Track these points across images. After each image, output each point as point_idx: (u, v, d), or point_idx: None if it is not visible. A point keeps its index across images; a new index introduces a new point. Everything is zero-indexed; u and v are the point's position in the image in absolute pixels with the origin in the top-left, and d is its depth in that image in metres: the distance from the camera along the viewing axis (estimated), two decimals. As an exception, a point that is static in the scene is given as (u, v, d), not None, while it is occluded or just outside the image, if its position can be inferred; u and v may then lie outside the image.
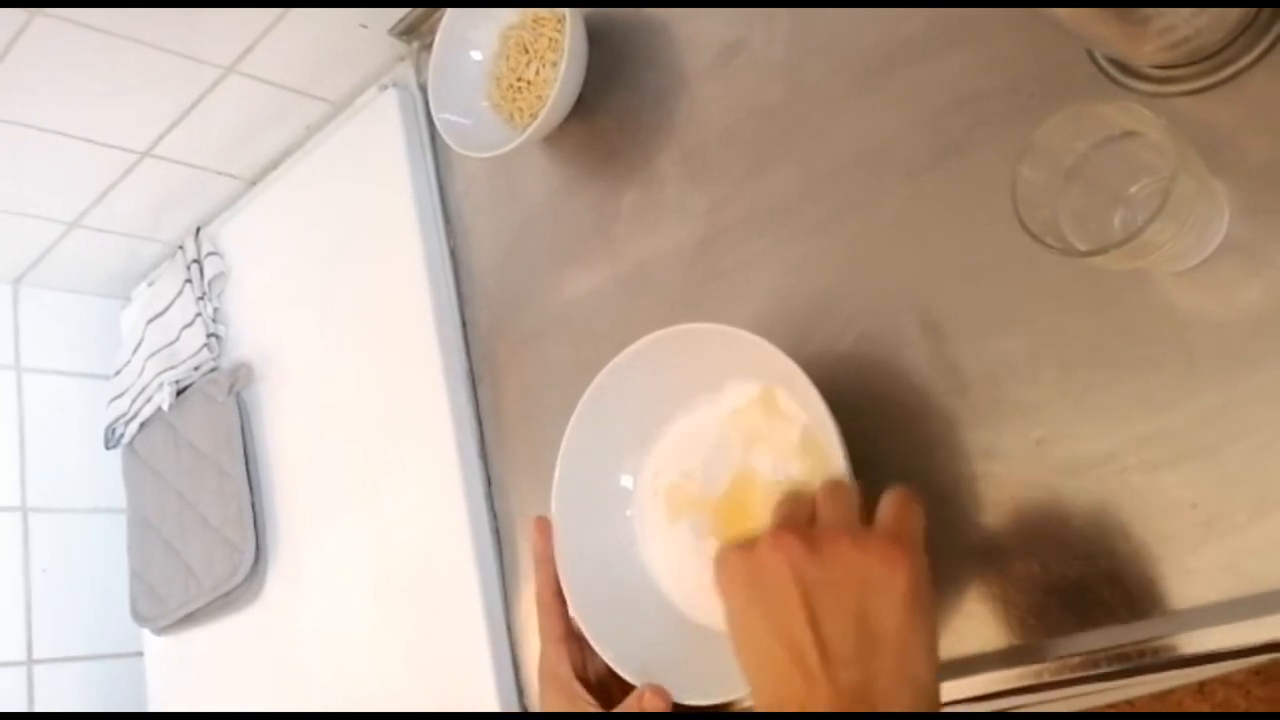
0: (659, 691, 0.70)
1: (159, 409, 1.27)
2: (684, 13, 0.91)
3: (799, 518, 0.59)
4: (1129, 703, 1.38)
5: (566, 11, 0.90)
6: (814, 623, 0.53)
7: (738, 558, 0.58)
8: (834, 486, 0.61)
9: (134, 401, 1.31)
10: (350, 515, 1.08)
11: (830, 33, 0.81)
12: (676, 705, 0.70)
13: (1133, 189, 0.62)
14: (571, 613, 0.76)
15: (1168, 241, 0.57)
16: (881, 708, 0.51)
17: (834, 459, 0.68)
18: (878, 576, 0.54)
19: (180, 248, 1.32)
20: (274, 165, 1.28)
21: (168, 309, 1.29)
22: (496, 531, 0.98)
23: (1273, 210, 0.60)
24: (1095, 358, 0.65)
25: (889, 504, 0.59)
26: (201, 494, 1.20)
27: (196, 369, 1.25)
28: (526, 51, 0.97)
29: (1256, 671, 1.37)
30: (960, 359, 0.71)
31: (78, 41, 1.00)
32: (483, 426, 1.01)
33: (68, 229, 1.30)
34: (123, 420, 1.32)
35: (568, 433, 0.79)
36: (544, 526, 0.78)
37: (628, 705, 0.70)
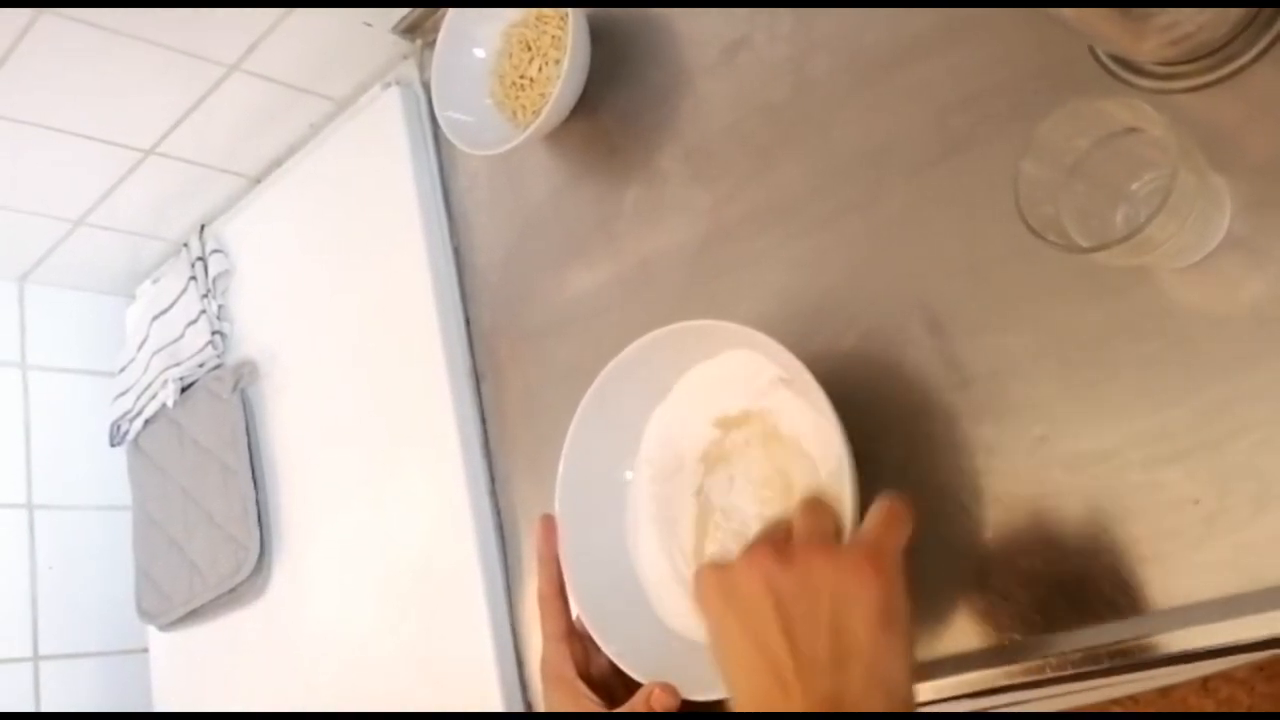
0: (667, 689, 0.69)
1: (163, 406, 1.27)
2: (687, 10, 0.91)
3: (775, 534, 0.60)
4: (1132, 699, 1.38)
5: (570, 9, 0.90)
6: (788, 632, 0.55)
7: (714, 573, 0.59)
8: (812, 502, 0.62)
9: (139, 398, 1.31)
10: (354, 512, 1.09)
11: (833, 30, 0.81)
12: (685, 702, 0.70)
13: (1135, 185, 0.62)
14: (576, 610, 0.76)
15: (1170, 238, 0.57)
16: (851, 704, 0.52)
17: (834, 457, 0.68)
18: (849, 590, 0.55)
19: (185, 245, 1.32)
20: (278, 163, 1.28)
21: (172, 306, 1.30)
22: (500, 528, 0.99)
23: (1275, 206, 0.60)
24: (1097, 354, 0.65)
25: (873, 516, 0.60)
26: (206, 491, 1.20)
27: (201, 366, 1.26)
28: (529, 49, 0.97)
29: (1260, 668, 1.37)
30: (962, 355, 0.71)
31: (82, 39, 1.00)
32: (486, 423, 1.01)
33: (73, 227, 1.31)
34: (127, 417, 1.33)
35: (571, 429, 0.79)
36: (549, 524, 0.78)
37: (635, 703, 0.70)
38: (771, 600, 0.56)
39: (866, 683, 0.53)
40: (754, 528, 0.74)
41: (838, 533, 0.61)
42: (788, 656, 0.54)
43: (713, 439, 0.78)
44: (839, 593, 0.55)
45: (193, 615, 1.21)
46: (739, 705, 0.57)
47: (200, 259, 1.29)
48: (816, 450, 0.72)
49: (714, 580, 0.59)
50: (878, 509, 0.60)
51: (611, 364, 0.78)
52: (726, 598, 0.58)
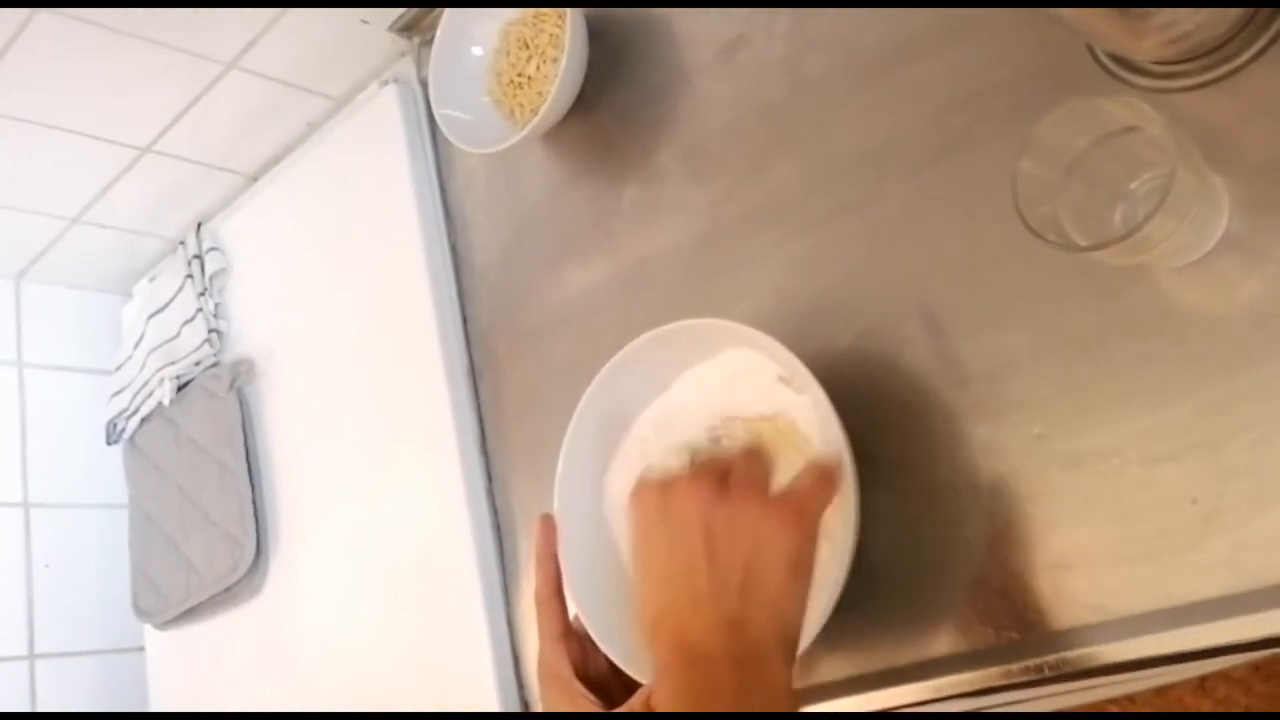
0: None
1: (160, 404, 1.27)
2: (685, 9, 0.91)
3: (716, 469, 0.64)
4: (1129, 698, 1.38)
5: (568, 9, 0.90)
6: (710, 557, 0.60)
7: (655, 489, 0.65)
8: (753, 450, 0.67)
9: (135, 397, 1.31)
10: (351, 510, 1.08)
11: (831, 29, 0.81)
12: None
13: (1133, 184, 0.62)
14: (575, 610, 0.76)
15: (1168, 237, 0.57)
16: (752, 637, 0.58)
17: (833, 455, 0.68)
18: (770, 535, 0.61)
19: (181, 243, 1.32)
20: (275, 161, 1.28)
21: (169, 304, 1.30)
22: (497, 526, 0.98)
23: (1273, 205, 0.60)
24: (1095, 353, 0.65)
25: (806, 475, 0.65)
26: (202, 489, 1.20)
27: (197, 364, 1.25)
28: (527, 47, 0.97)
29: (1257, 667, 1.37)
30: (961, 354, 0.71)
31: (80, 37, 1.00)
32: (483, 422, 1.01)
33: (69, 225, 1.30)
34: (124, 415, 1.32)
35: (570, 428, 0.79)
36: (549, 524, 0.78)
37: (633, 703, 0.69)
38: (702, 527, 0.61)
39: (767, 616, 0.59)
40: None
41: (769, 480, 0.65)
42: (704, 578, 0.60)
43: (711, 437, 0.78)
44: (761, 535, 0.61)
45: (189, 614, 1.21)
46: (645, 610, 0.63)
47: (197, 257, 1.29)
48: (816, 448, 0.72)
49: (654, 495, 0.64)
50: (810, 469, 0.65)
51: (611, 363, 0.78)
52: (662, 512, 0.63)
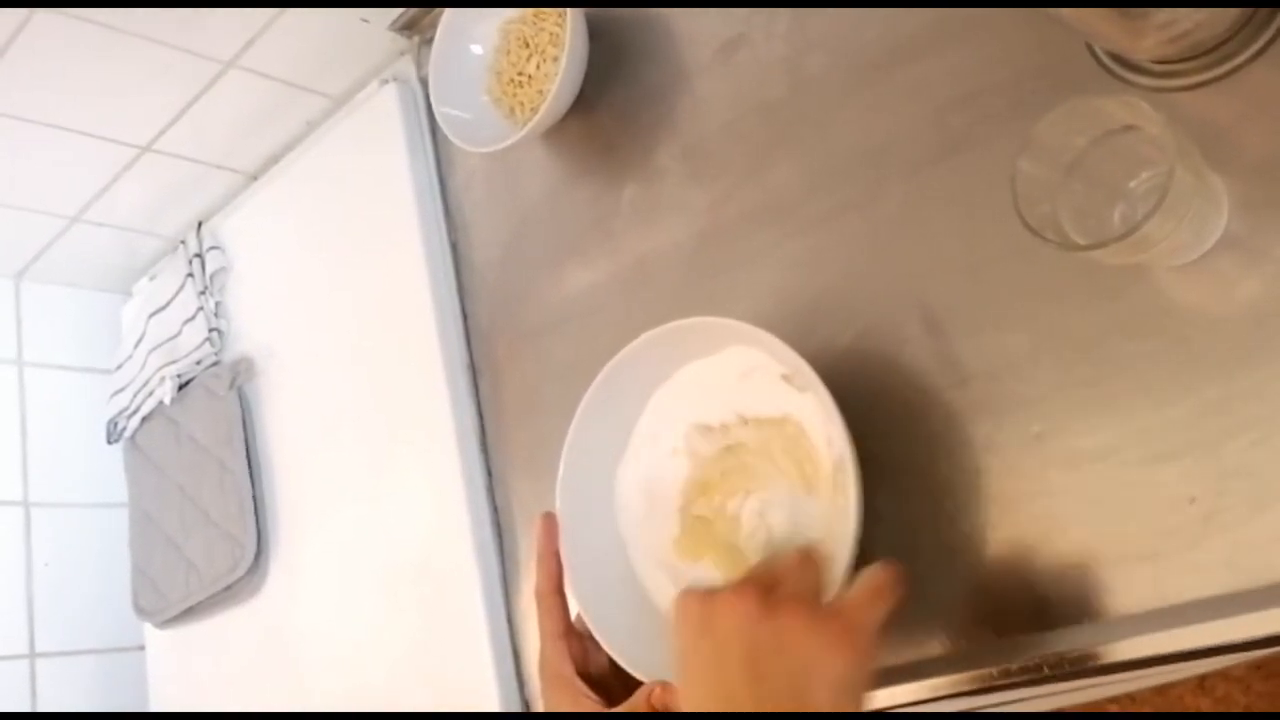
0: (668, 687, 0.69)
1: (160, 403, 1.27)
2: (684, 9, 0.91)
3: (764, 579, 0.61)
4: (1129, 697, 1.39)
5: (568, 8, 0.90)
6: (753, 680, 0.57)
7: (698, 602, 0.61)
8: (806, 558, 0.63)
9: (135, 396, 1.31)
10: (351, 509, 1.08)
11: (831, 29, 0.81)
12: None
13: (1132, 183, 0.62)
14: (576, 608, 0.76)
15: (1167, 236, 0.57)
16: None
17: (836, 455, 0.68)
18: (820, 657, 0.57)
19: (182, 242, 1.32)
20: (275, 160, 1.28)
21: (169, 303, 1.30)
22: (497, 525, 0.99)
23: (1272, 205, 0.60)
24: (1094, 352, 0.65)
25: (861, 586, 0.61)
26: (203, 488, 1.20)
27: (198, 363, 1.25)
28: (527, 46, 0.97)
29: (1257, 666, 1.37)
30: (960, 354, 0.71)
31: (79, 36, 1.00)
32: (483, 421, 1.01)
33: (69, 224, 1.31)
34: (124, 415, 1.33)
35: (572, 427, 0.79)
36: (550, 522, 0.78)
37: (635, 702, 0.69)
38: (745, 646, 0.58)
39: None
40: (748, 527, 0.74)
41: (822, 591, 0.62)
42: (745, 697, 0.56)
43: (722, 432, 0.78)
44: (809, 657, 0.57)
45: (189, 613, 1.21)
46: (686, 708, 0.60)
47: (197, 256, 1.29)
48: (818, 447, 0.72)
49: (695, 608, 0.61)
50: (868, 579, 0.61)
51: (612, 362, 0.78)
52: (702, 628, 0.60)
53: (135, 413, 1.31)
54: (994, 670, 0.66)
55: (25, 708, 1.23)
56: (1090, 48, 0.67)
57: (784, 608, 0.58)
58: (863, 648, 0.58)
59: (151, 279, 1.39)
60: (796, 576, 0.62)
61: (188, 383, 1.26)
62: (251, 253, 1.27)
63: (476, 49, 1.00)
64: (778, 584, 0.61)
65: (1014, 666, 0.65)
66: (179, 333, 1.27)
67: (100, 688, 1.29)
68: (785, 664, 0.57)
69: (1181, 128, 0.56)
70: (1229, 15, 0.60)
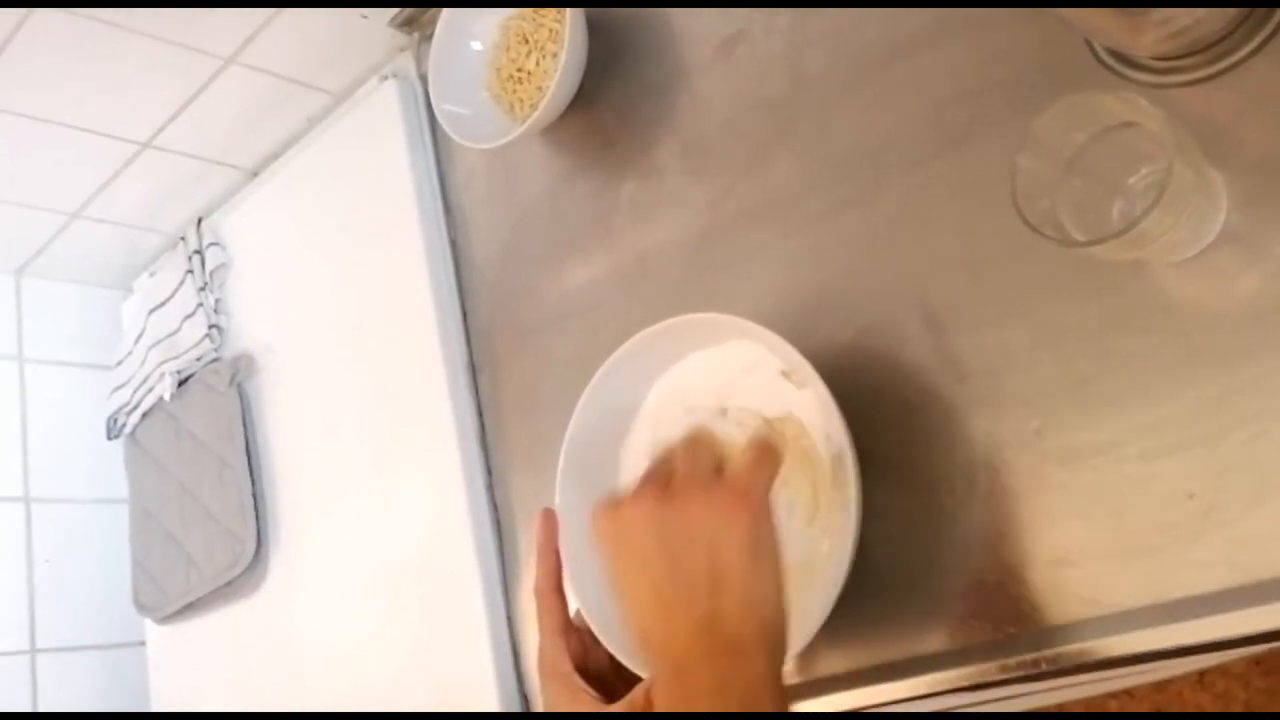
0: None
1: (160, 399, 1.27)
2: (685, 7, 0.91)
3: (659, 472, 0.65)
4: (1128, 692, 1.39)
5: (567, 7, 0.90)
6: (670, 565, 0.60)
7: (606, 514, 0.65)
8: (692, 442, 0.66)
9: (136, 392, 1.31)
10: (351, 505, 1.09)
11: (831, 26, 0.81)
12: None
13: (1131, 180, 0.62)
14: (576, 604, 0.76)
15: (1166, 232, 0.57)
16: (729, 634, 0.58)
17: (835, 450, 0.68)
18: (721, 524, 0.60)
19: (182, 238, 1.32)
20: (275, 156, 1.28)
21: (169, 300, 1.30)
22: (497, 521, 0.99)
23: (1271, 200, 0.60)
24: (1093, 348, 0.65)
25: (744, 455, 0.64)
26: (203, 484, 1.20)
27: (198, 359, 1.26)
28: (527, 42, 0.97)
29: (1257, 662, 1.37)
30: (960, 350, 0.71)
31: (79, 32, 1.00)
32: (483, 417, 1.02)
33: (69, 220, 1.31)
34: (125, 410, 1.33)
35: (572, 423, 0.79)
36: (550, 518, 0.78)
37: (634, 698, 0.69)
38: (655, 537, 0.61)
39: (740, 605, 0.59)
40: None
41: (717, 468, 0.64)
42: (669, 585, 0.60)
43: (723, 426, 0.77)
44: (713, 527, 0.60)
45: (189, 609, 1.21)
46: (631, 631, 0.63)
47: (197, 252, 1.29)
48: (817, 443, 0.72)
49: (607, 519, 0.64)
50: (748, 448, 0.65)
51: (612, 358, 0.78)
52: (617, 535, 0.63)
53: (135, 409, 1.31)
54: (993, 665, 0.66)
55: (26, 704, 1.23)
56: (1089, 44, 0.67)
57: (680, 493, 0.62)
58: (757, 506, 0.62)
59: (152, 275, 1.39)
60: (687, 461, 0.64)
61: (188, 379, 1.26)
62: (251, 249, 1.27)
63: (476, 45, 1.00)
64: (672, 473, 0.64)
65: (1013, 662, 0.65)
66: (179, 329, 1.28)
67: (101, 684, 1.29)
68: (695, 542, 0.60)
69: (1180, 124, 0.56)
70: (1227, 12, 0.60)
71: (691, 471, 0.64)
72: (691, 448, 0.65)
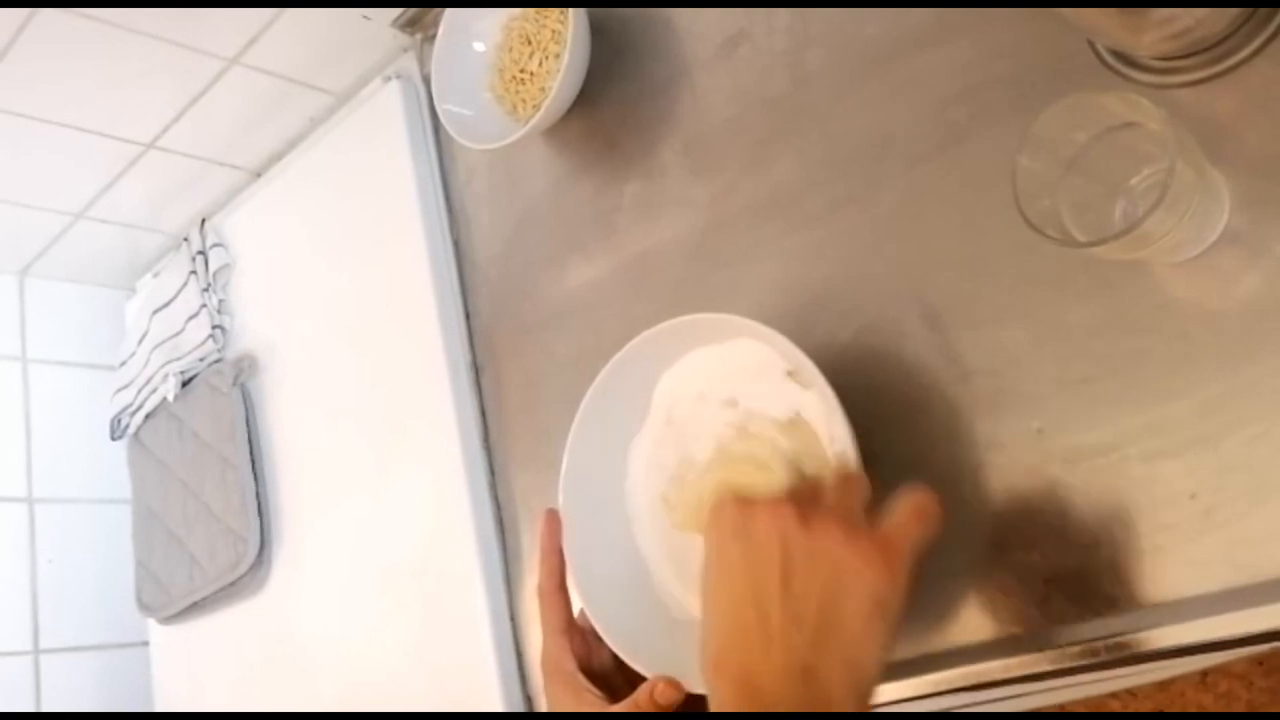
0: (672, 683, 0.68)
1: (164, 400, 1.27)
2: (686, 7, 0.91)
3: (804, 494, 0.61)
4: (1130, 692, 1.39)
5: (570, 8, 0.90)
6: (785, 588, 0.56)
7: (735, 508, 0.60)
8: (848, 477, 0.63)
9: (139, 392, 1.31)
10: (354, 505, 1.09)
11: (832, 24, 0.81)
12: (689, 696, 0.69)
13: (1133, 180, 0.62)
14: (580, 604, 0.76)
15: (1167, 232, 0.57)
16: (821, 686, 0.54)
17: (839, 449, 0.68)
18: (853, 572, 0.56)
19: (185, 239, 1.32)
20: (278, 157, 1.28)
21: (172, 300, 1.30)
22: (499, 520, 0.99)
23: (1272, 201, 0.60)
24: (1095, 348, 0.65)
25: (901, 509, 0.60)
26: (206, 484, 1.20)
27: (201, 360, 1.26)
28: (529, 43, 0.97)
29: (1259, 661, 1.37)
30: (961, 350, 0.71)
31: (82, 33, 1.00)
32: (485, 416, 1.02)
33: (73, 220, 1.31)
34: (128, 411, 1.33)
35: (575, 423, 0.79)
36: (553, 518, 0.78)
37: (638, 698, 0.69)
38: (781, 554, 0.57)
39: (839, 661, 0.55)
40: None
41: (863, 510, 0.61)
42: (777, 610, 0.56)
43: (734, 430, 0.78)
44: (842, 570, 0.56)
45: (192, 608, 1.22)
46: (711, 638, 0.58)
47: (200, 253, 1.29)
48: (821, 443, 0.72)
49: (734, 514, 0.60)
50: (908, 501, 0.60)
51: (616, 357, 0.78)
52: (739, 533, 0.59)
53: (139, 409, 1.31)
54: (993, 665, 0.66)
55: (30, 704, 1.23)
56: (1091, 44, 0.67)
57: (822, 520, 0.58)
58: (897, 567, 0.57)
59: (155, 276, 1.39)
60: (837, 493, 0.61)
61: (191, 379, 1.27)
62: (254, 249, 1.27)
63: (479, 46, 1.00)
64: (818, 499, 0.60)
65: (1013, 661, 0.65)
66: (182, 329, 1.28)
67: (104, 684, 1.30)
68: (818, 574, 0.56)
69: (1182, 124, 0.56)
70: (1229, 12, 0.60)
71: (840, 503, 0.60)
72: (845, 482, 0.62)
